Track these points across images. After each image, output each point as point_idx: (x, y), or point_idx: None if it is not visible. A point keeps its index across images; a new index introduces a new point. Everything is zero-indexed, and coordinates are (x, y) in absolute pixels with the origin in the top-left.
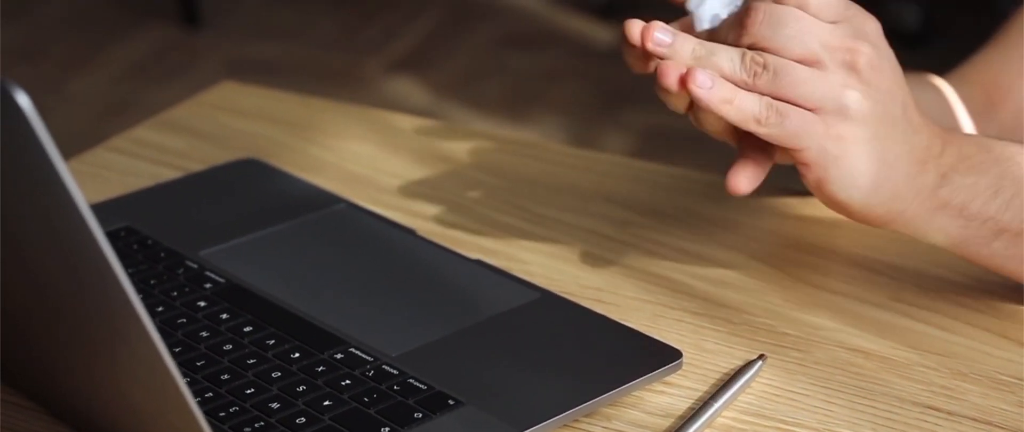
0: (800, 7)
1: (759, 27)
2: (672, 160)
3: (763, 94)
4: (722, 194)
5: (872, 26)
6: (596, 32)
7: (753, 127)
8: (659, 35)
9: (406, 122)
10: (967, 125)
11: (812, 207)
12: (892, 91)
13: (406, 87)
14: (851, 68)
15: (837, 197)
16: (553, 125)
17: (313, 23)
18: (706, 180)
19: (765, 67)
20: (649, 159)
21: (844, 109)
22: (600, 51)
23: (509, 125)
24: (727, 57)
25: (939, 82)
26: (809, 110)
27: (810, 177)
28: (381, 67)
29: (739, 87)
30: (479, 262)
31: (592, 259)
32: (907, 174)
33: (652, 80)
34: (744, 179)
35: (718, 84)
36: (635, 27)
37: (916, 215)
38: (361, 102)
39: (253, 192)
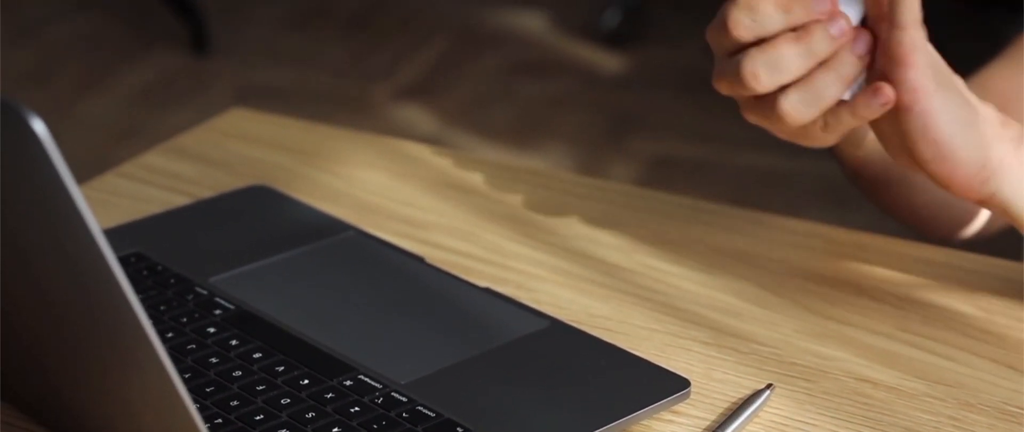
0: None
1: None
2: (679, 188)
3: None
4: (730, 223)
5: None
6: (604, 60)
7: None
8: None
9: (416, 150)
10: None
11: (821, 237)
12: None
13: (414, 114)
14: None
15: (941, 136)
16: (560, 153)
17: (322, 50)
18: (714, 209)
19: None
20: (656, 187)
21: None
22: (608, 79)
23: (516, 152)
24: None
25: None
26: None
27: (917, 112)
28: (389, 94)
29: None
30: (488, 290)
31: (601, 288)
32: (992, 125)
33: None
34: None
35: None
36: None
37: (1012, 168)
38: (369, 129)
39: (263, 219)
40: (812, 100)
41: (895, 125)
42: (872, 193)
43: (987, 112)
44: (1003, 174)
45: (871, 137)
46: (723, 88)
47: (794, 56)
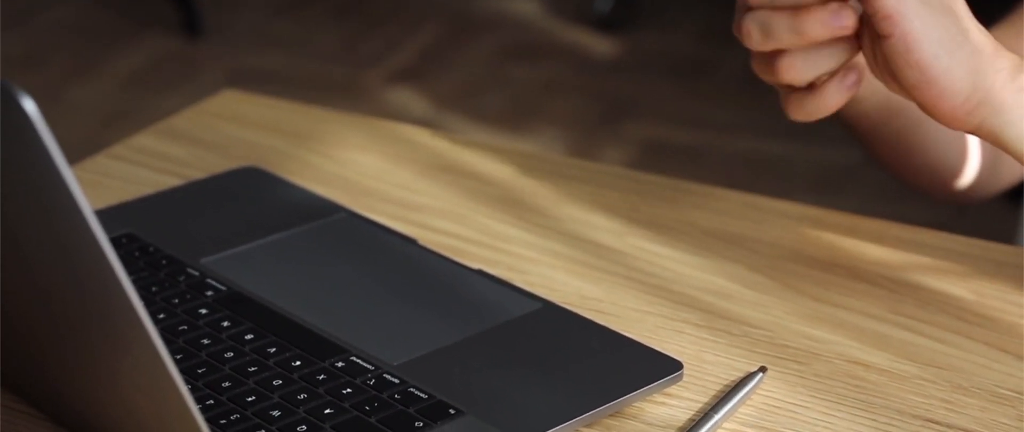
0: None
1: None
2: (671, 172)
3: None
4: (723, 206)
5: None
6: (596, 44)
7: None
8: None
9: (408, 132)
10: None
11: (813, 220)
12: None
13: (406, 98)
14: None
15: (923, 59)
16: (553, 137)
17: (314, 34)
18: (707, 192)
19: None
20: (648, 171)
21: None
22: (600, 64)
23: (509, 136)
24: None
25: None
26: None
27: (898, 35)
28: (381, 78)
29: None
30: (480, 272)
31: (593, 270)
32: (983, 54)
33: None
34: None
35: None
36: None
37: (1003, 99)
38: (361, 113)
39: (254, 200)
40: (806, 67)
41: (880, 50)
42: (870, 146)
43: (979, 39)
44: (991, 104)
45: (866, 91)
46: (735, 33)
47: (785, 29)
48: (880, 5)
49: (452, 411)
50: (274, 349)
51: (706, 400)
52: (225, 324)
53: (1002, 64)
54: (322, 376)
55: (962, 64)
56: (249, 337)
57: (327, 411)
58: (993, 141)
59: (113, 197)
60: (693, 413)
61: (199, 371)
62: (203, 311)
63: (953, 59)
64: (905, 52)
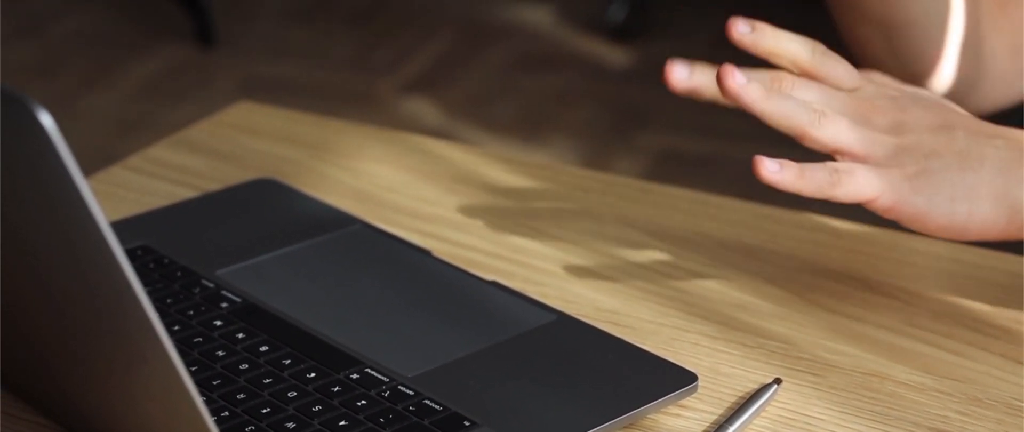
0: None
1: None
2: (685, 182)
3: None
4: (738, 217)
5: (883, 84)
6: (610, 54)
7: (827, 192)
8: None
9: (423, 143)
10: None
11: (829, 232)
12: (930, 116)
13: (419, 108)
14: (872, 121)
15: (942, 222)
16: (566, 147)
17: (327, 43)
18: (721, 203)
19: (824, 115)
20: (662, 182)
21: (893, 150)
22: (614, 73)
23: (522, 146)
24: (801, 108)
25: None
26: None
27: (907, 219)
28: (394, 88)
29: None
30: (495, 284)
31: (607, 281)
32: (1007, 167)
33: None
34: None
35: (784, 166)
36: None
37: None
38: (374, 122)
39: (269, 212)
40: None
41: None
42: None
43: (995, 154)
44: None
45: None
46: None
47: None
48: (878, 206)
49: (467, 423)
50: (289, 361)
51: (721, 412)
52: (240, 336)
53: None
54: (337, 388)
55: (986, 197)
56: (264, 349)
57: (342, 423)
58: None
59: (128, 209)
60: (707, 425)
61: (214, 383)
62: (218, 323)
63: (974, 200)
64: (924, 226)
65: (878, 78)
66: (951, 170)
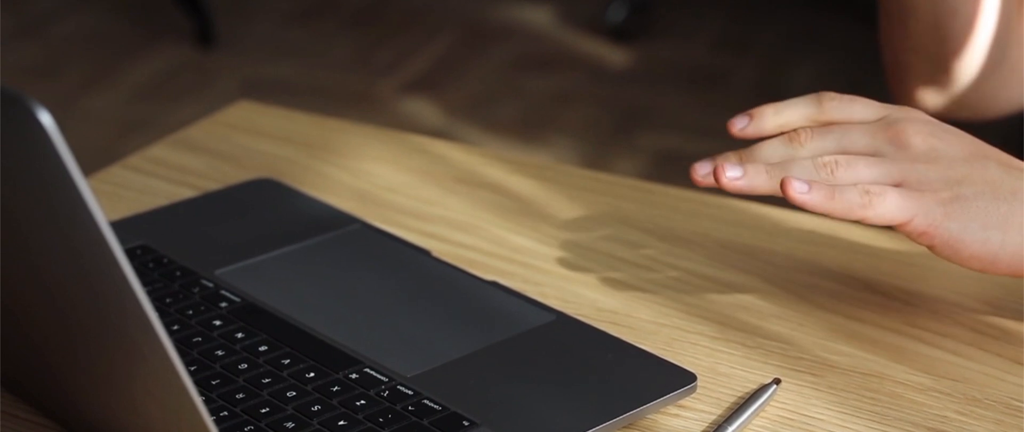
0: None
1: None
2: (685, 183)
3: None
4: (737, 217)
5: (910, 112)
6: (610, 54)
7: (859, 214)
8: (731, 173)
9: (422, 143)
10: None
11: (828, 232)
12: (963, 145)
13: (420, 108)
14: (905, 145)
15: (975, 249)
16: (566, 147)
17: (327, 44)
18: (721, 203)
19: (837, 163)
20: (662, 182)
21: (926, 175)
22: (613, 74)
23: (522, 147)
24: (800, 167)
25: None
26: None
27: (940, 244)
28: (395, 88)
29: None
30: (494, 283)
31: (607, 282)
32: None
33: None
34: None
35: (814, 186)
36: (703, 169)
37: None
38: (374, 123)
39: (269, 212)
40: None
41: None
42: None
43: None
44: None
45: None
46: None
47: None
48: (911, 230)
49: (466, 423)
50: (288, 360)
51: (720, 412)
52: (239, 335)
53: None
54: (336, 387)
55: (1018, 229)
56: (263, 348)
57: (341, 423)
58: None
59: (128, 208)
60: (707, 425)
61: (213, 382)
62: (217, 322)
63: (1007, 231)
64: (956, 253)
65: (911, 112)
66: (984, 198)
